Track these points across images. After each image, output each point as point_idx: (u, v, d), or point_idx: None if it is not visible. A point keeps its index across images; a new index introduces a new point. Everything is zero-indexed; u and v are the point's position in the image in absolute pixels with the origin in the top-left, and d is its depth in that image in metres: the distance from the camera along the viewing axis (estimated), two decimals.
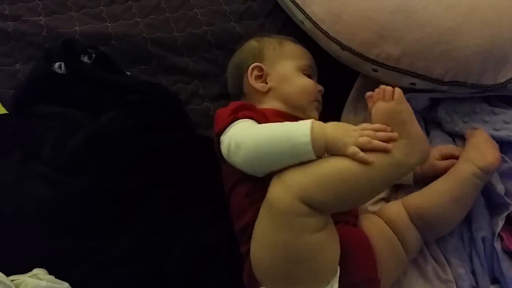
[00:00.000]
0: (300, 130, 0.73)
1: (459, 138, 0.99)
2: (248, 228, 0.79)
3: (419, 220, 0.87)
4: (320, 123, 0.75)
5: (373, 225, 0.87)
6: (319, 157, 0.73)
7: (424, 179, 0.93)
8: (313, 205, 0.70)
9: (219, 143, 0.81)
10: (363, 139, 0.71)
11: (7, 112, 1.03)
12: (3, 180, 0.87)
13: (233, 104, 0.87)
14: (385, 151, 0.71)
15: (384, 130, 0.73)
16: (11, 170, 0.89)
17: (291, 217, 0.71)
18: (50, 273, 0.81)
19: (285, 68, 0.99)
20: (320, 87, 1.00)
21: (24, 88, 1.04)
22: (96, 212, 0.86)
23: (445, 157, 0.93)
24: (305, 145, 0.72)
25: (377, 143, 0.71)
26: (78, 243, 0.84)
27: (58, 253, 0.83)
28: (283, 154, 0.73)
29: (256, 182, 0.79)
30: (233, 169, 0.80)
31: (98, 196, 0.86)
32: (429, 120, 1.02)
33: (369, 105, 0.79)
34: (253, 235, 0.76)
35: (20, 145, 0.95)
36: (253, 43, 1.05)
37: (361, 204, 0.92)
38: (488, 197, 0.91)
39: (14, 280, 0.78)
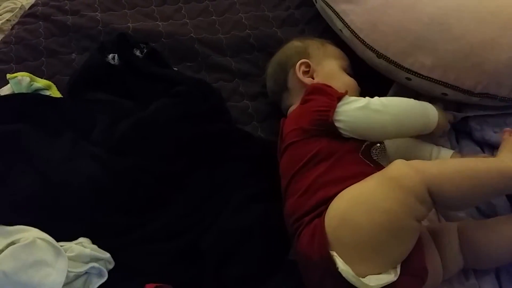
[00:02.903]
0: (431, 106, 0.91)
1: (488, 147, 1.01)
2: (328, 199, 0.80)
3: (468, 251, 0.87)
4: None
5: None
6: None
7: None
8: (434, 196, 0.75)
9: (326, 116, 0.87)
10: None
11: (62, 97, 1.10)
12: (55, 157, 0.93)
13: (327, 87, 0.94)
14: None
15: None
16: (63, 149, 0.95)
17: (412, 197, 0.74)
18: (93, 243, 0.86)
19: (330, 66, 1.05)
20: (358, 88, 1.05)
21: (78, 76, 1.12)
22: (139, 191, 0.92)
23: None
24: (435, 116, 0.90)
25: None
26: (121, 217, 0.90)
27: (102, 225, 0.88)
28: (417, 119, 0.90)
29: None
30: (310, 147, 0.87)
31: (142, 176, 0.92)
32: (459, 129, 1.05)
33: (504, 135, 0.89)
34: (349, 198, 0.78)
35: (72, 127, 1.01)
36: (296, 43, 1.11)
37: (474, 205, 0.94)
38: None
39: (62, 246, 0.83)
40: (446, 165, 0.81)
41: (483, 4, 0.95)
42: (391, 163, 0.79)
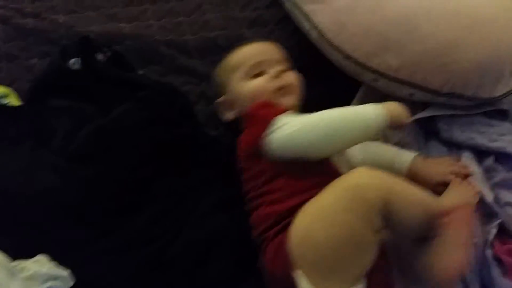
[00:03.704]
0: (369, 107, 0.85)
1: (455, 147, 1.02)
2: (290, 211, 0.79)
3: None
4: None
5: None
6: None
7: None
8: (390, 213, 0.73)
9: (260, 141, 0.87)
10: None
11: (22, 104, 1.06)
12: (13, 167, 0.90)
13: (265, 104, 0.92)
14: None
15: None
16: (22, 158, 0.92)
17: (371, 209, 0.73)
18: (53, 259, 0.82)
19: (234, 85, 1.02)
20: (279, 69, 0.98)
21: (39, 82, 1.08)
22: (101, 201, 0.89)
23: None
24: (378, 115, 0.84)
25: None
26: (82, 229, 0.86)
27: (62, 240, 0.85)
28: (354, 128, 0.85)
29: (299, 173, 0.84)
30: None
31: (104, 185, 0.89)
32: (427, 130, 1.05)
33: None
34: (309, 212, 0.77)
35: (32, 135, 0.98)
36: (215, 79, 1.09)
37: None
38: (480, 205, 0.93)
39: (17, 265, 0.79)
40: (409, 189, 0.79)
41: (450, 4, 0.96)
42: (353, 170, 0.78)
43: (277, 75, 0.98)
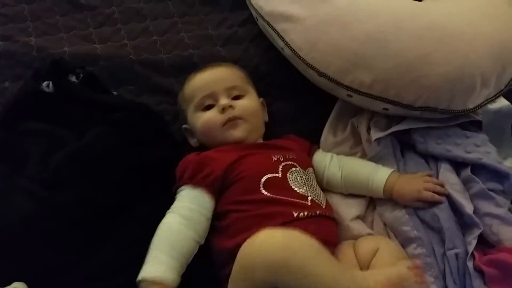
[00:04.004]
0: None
1: (432, 158, 1.03)
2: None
3: None
4: None
5: (346, 258, 0.88)
6: None
7: None
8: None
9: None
10: None
11: None
12: None
13: (190, 164, 0.93)
14: None
15: None
16: None
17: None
18: (29, 287, 0.81)
19: (189, 117, 1.05)
20: (224, 103, 0.99)
21: (11, 106, 1.06)
22: (77, 227, 0.87)
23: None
24: None
25: None
26: (59, 257, 0.85)
27: (39, 267, 0.84)
28: None
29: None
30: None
31: (79, 210, 0.87)
32: (403, 142, 1.05)
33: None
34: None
35: (5, 160, 0.97)
36: (178, 104, 1.11)
37: None
38: (459, 216, 0.94)
39: None
40: (313, 266, 0.71)
41: (419, 20, 0.97)
42: (256, 238, 0.74)
43: (223, 109, 0.99)
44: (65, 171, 0.91)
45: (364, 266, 0.87)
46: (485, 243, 0.93)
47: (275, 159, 0.95)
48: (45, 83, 1.08)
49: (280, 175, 0.92)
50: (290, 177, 0.93)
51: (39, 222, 0.85)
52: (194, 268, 0.85)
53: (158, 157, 0.98)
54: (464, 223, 0.94)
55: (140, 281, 0.79)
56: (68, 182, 0.91)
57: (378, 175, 0.97)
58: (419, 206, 0.95)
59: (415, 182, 0.95)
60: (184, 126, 1.08)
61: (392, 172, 0.97)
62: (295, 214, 0.86)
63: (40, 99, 1.06)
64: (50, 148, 0.97)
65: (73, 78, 1.09)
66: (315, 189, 0.95)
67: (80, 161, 0.92)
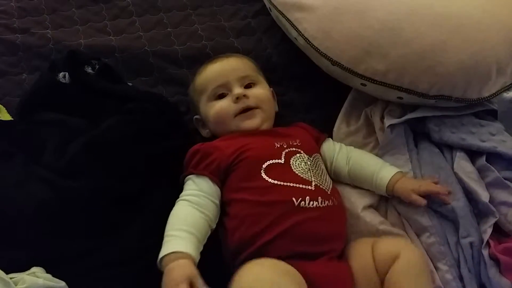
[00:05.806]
0: None
1: (446, 148, 1.02)
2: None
3: None
4: None
5: (362, 259, 0.87)
6: None
7: None
8: None
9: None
10: None
11: (12, 119, 1.07)
12: (5, 182, 0.90)
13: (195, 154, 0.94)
14: None
15: None
16: (14, 173, 0.92)
17: None
18: (47, 272, 0.82)
19: (202, 108, 1.05)
20: (239, 93, 0.99)
21: (29, 97, 1.08)
22: (94, 214, 0.88)
23: (421, 194, 0.92)
24: None
25: None
26: (75, 243, 0.86)
27: (56, 252, 0.85)
28: None
29: None
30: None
31: (96, 198, 0.88)
32: (417, 131, 1.05)
33: None
34: None
35: (23, 150, 0.98)
36: (190, 96, 1.12)
37: None
38: (474, 205, 0.93)
39: (13, 278, 0.79)
40: None
41: (433, 7, 0.96)
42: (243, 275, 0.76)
43: (238, 98, 0.99)
44: (81, 159, 0.92)
45: (382, 272, 0.85)
46: (500, 232, 0.93)
47: (278, 145, 0.95)
48: (61, 74, 1.09)
49: (282, 161, 0.92)
50: (294, 163, 0.92)
51: (55, 209, 0.86)
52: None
53: (173, 146, 0.99)
54: (479, 211, 0.93)
55: (160, 259, 0.79)
56: (84, 170, 0.92)
57: (382, 172, 0.96)
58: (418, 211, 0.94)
59: (414, 182, 0.94)
60: (195, 116, 1.08)
61: (396, 172, 0.96)
62: (296, 203, 0.86)
63: (56, 90, 1.07)
64: (67, 138, 0.98)
65: (89, 69, 1.11)
66: (321, 175, 0.94)
67: (96, 149, 0.93)
